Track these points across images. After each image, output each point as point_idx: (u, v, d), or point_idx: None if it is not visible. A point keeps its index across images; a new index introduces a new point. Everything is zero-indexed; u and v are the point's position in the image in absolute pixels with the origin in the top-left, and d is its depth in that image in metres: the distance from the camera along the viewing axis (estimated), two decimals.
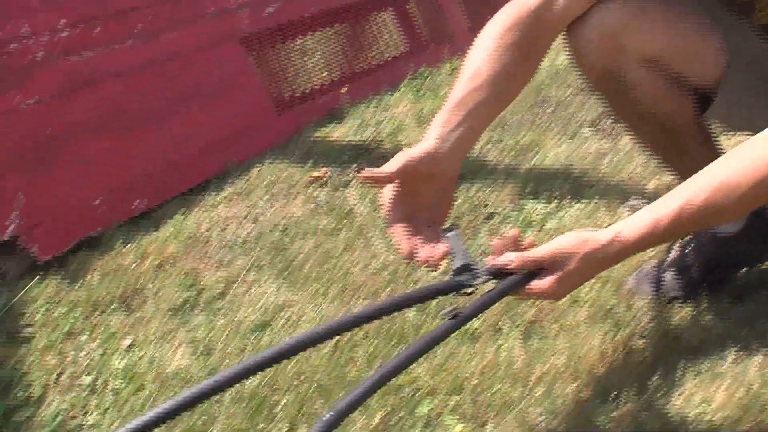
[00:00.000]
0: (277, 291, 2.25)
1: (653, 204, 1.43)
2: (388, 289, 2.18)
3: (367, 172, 1.48)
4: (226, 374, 1.20)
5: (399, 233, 1.52)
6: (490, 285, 1.45)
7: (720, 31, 1.75)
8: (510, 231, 1.48)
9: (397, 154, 1.52)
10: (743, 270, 2.07)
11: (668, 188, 2.48)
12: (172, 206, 2.89)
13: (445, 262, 1.50)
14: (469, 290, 1.44)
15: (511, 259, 1.43)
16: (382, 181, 1.52)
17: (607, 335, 1.88)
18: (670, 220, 1.39)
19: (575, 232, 1.44)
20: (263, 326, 2.10)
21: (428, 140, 1.56)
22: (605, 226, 2.32)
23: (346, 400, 1.21)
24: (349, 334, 1.98)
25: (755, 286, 2.02)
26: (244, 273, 2.38)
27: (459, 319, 1.37)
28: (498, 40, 1.64)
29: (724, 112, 1.83)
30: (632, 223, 1.42)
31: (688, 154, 1.92)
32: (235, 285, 2.33)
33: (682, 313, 1.95)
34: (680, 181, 2.00)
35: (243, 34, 3.54)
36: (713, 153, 1.94)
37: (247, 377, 1.27)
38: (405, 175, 1.51)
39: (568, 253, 1.41)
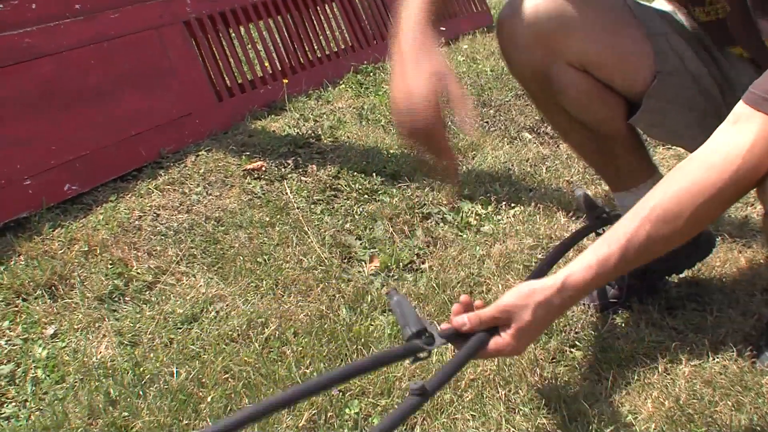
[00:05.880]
0: (208, 284, 2.22)
1: (598, 243, 1.42)
2: (320, 287, 2.16)
3: None
4: None
5: None
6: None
7: (652, 41, 1.77)
8: (462, 297, 1.46)
9: None
10: (673, 276, 2.11)
11: (606, 195, 2.54)
12: (104, 192, 2.83)
13: None
14: (424, 354, 1.41)
15: (465, 320, 1.41)
16: None
17: (539, 342, 1.89)
18: (616, 259, 1.38)
19: (522, 285, 1.43)
20: (192, 319, 2.07)
21: None
22: (541, 232, 2.38)
23: None
24: (278, 332, 1.97)
25: (686, 298, 2.05)
26: (174, 264, 2.34)
27: (425, 396, 1.32)
28: None
29: (648, 123, 1.85)
30: (579, 266, 1.40)
31: (616, 160, 1.95)
32: (165, 276, 2.29)
33: (614, 323, 1.97)
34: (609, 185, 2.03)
35: (186, 17, 3.49)
36: (643, 160, 1.97)
37: None
38: None
39: (520, 305, 1.39)
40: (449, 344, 1.45)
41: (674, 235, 1.40)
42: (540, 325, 1.42)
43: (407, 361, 1.79)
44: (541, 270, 1.68)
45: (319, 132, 3.32)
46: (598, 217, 1.92)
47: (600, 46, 1.76)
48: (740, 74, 1.79)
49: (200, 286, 2.21)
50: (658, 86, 1.77)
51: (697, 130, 1.79)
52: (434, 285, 2.14)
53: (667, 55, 1.77)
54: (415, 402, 1.31)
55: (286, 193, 2.75)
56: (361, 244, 2.43)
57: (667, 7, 1.87)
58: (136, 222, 2.59)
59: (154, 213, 2.66)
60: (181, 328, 2.03)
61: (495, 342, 1.40)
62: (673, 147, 2.83)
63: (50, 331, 2.06)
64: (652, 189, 1.42)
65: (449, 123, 1.45)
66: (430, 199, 2.69)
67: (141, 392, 1.77)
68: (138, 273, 2.29)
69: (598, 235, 1.89)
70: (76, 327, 2.06)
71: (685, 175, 1.39)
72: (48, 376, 1.89)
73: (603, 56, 1.77)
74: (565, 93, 1.81)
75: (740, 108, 1.39)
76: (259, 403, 1.23)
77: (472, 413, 1.67)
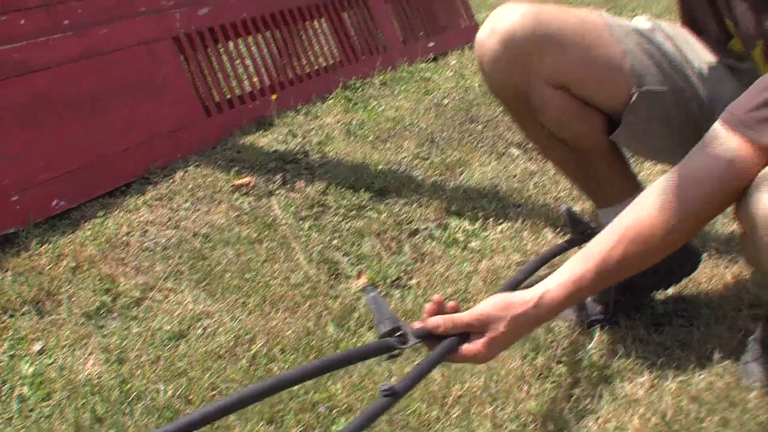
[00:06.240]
0: (195, 300, 2.21)
1: (574, 261, 1.45)
2: (308, 303, 2.16)
3: None
4: None
5: None
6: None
7: (630, 57, 1.79)
8: (434, 296, 1.48)
9: None
10: (660, 291, 2.12)
11: (594, 211, 2.54)
12: (92, 207, 2.83)
13: None
14: (397, 352, 1.43)
15: (439, 322, 1.43)
16: None
17: (526, 358, 1.89)
18: (592, 276, 1.42)
19: (499, 296, 1.46)
20: (179, 336, 2.06)
21: None
22: (529, 248, 2.39)
23: None
24: (265, 349, 1.97)
25: (673, 314, 2.06)
26: (162, 280, 2.33)
27: (396, 396, 1.34)
28: None
29: (628, 139, 1.87)
30: (555, 283, 1.43)
31: (598, 176, 1.96)
32: (153, 292, 2.28)
33: (600, 339, 1.97)
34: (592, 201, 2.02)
35: (176, 33, 3.50)
36: (625, 176, 1.98)
37: None
38: None
39: (496, 317, 1.42)
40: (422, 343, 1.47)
41: (649, 253, 1.42)
42: (512, 336, 1.45)
43: (393, 378, 1.80)
44: (516, 281, 1.69)
45: (308, 148, 3.32)
46: (582, 233, 1.93)
47: (577, 64, 1.77)
48: (720, 91, 1.80)
49: (187, 302, 2.20)
50: (638, 102, 1.78)
51: (677, 146, 1.80)
52: (422, 301, 2.15)
53: (645, 71, 1.79)
54: (384, 402, 1.33)
55: (274, 209, 2.75)
56: (348, 260, 2.43)
57: (647, 25, 1.89)
58: (124, 238, 2.59)
59: (142, 229, 2.65)
60: (168, 345, 2.03)
61: (466, 348, 1.43)
62: (660, 163, 2.84)
63: (37, 347, 2.05)
64: (627, 207, 1.44)
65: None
66: (418, 215, 2.69)
67: (128, 409, 1.76)
68: (125, 289, 2.29)
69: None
70: (63, 343, 2.06)
71: (660, 195, 1.41)
72: (34, 393, 1.88)
73: (581, 74, 1.78)
74: (543, 111, 1.83)
75: (717, 128, 1.40)
76: (232, 395, 1.24)
77: (458, 430, 1.67)
